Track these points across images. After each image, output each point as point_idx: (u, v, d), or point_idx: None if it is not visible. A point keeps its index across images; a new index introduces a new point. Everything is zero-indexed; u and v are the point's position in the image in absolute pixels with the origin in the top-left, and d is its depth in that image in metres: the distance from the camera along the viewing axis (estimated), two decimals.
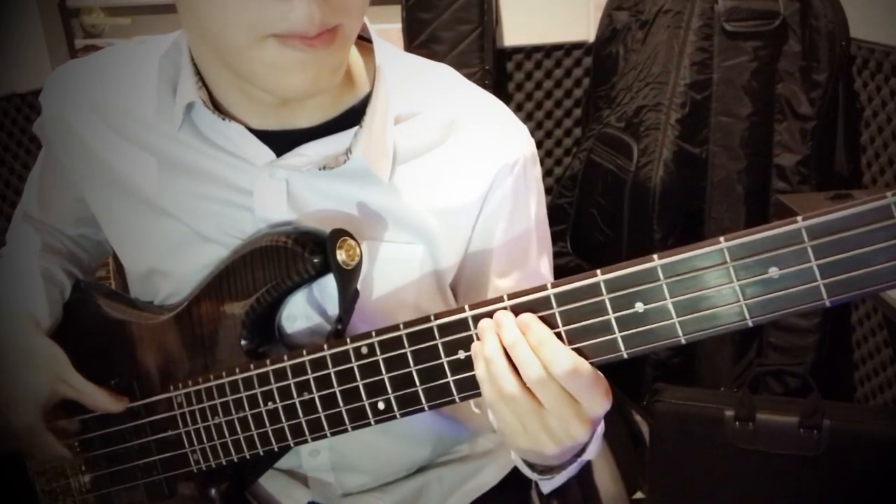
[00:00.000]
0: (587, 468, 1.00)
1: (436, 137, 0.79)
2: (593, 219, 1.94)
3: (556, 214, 2.10)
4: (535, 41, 2.14)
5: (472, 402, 0.68)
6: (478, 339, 0.63)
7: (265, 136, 0.76)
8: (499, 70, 2.11)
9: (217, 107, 0.76)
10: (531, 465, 0.74)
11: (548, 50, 2.15)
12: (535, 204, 0.84)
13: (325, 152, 0.76)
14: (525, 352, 0.60)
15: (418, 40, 2.02)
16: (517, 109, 2.17)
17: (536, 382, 0.60)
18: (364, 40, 0.81)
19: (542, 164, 2.24)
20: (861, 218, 0.51)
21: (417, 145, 0.78)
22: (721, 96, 1.76)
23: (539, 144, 2.23)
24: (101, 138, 0.82)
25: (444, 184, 0.78)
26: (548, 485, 0.76)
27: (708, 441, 1.60)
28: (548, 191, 2.22)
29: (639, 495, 1.77)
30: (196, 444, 0.79)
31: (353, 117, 0.76)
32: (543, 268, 0.87)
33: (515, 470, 0.98)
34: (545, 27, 2.13)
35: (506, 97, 2.15)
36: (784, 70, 1.77)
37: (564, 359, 0.59)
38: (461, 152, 0.79)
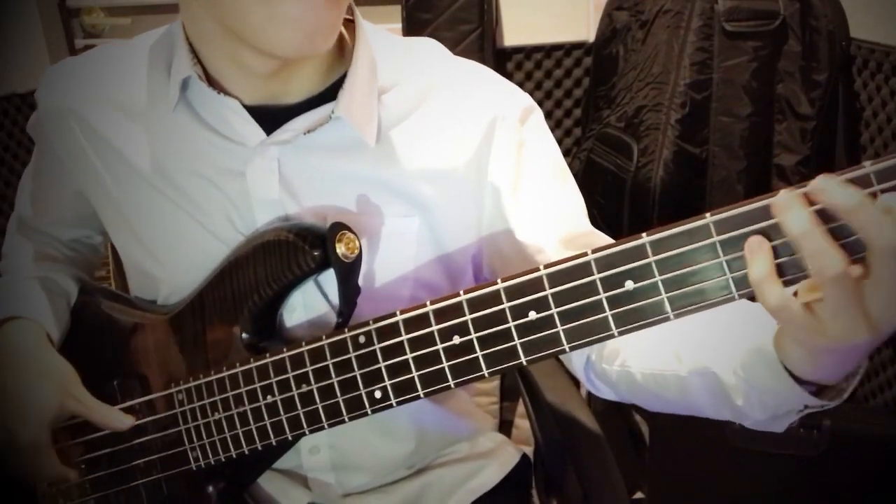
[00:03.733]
0: (589, 468, 1.00)
1: (417, 100, 0.79)
2: (593, 219, 1.93)
3: None
4: (535, 41, 2.14)
5: (472, 395, 0.67)
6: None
7: (256, 113, 0.77)
8: (499, 70, 2.11)
9: (211, 83, 0.77)
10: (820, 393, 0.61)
11: (548, 50, 2.15)
12: (544, 153, 0.82)
13: (309, 123, 0.77)
14: (874, 212, 0.48)
15: None
16: None
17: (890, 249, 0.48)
18: (349, 20, 0.82)
19: None
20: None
21: (402, 110, 0.79)
22: (721, 96, 1.76)
23: None
24: (105, 123, 0.83)
25: (430, 145, 0.79)
26: (791, 417, 0.66)
27: (708, 441, 1.60)
28: None
29: (639, 495, 1.77)
30: (196, 440, 0.79)
31: (338, 90, 0.77)
32: (577, 217, 0.83)
33: (515, 470, 0.99)
34: (545, 27, 2.13)
35: None
36: (784, 70, 1.77)
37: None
38: (443, 112, 0.79)
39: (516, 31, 2.11)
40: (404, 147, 0.78)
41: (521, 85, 2.21)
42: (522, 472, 1.01)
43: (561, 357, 0.86)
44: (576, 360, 0.83)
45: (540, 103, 2.20)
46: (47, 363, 0.82)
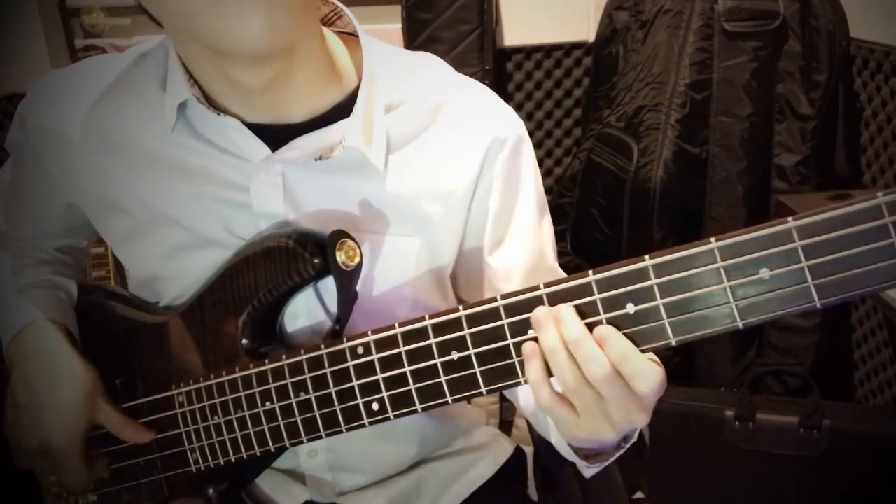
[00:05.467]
0: None
1: (425, 121, 0.79)
2: (593, 219, 1.94)
3: (556, 214, 2.09)
4: (535, 41, 2.14)
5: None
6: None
7: (259, 131, 0.76)
8: (499, 70, 2.11)
9: (210, 103, 0.76)
10: (576, 450, 0.73)
11: (548, 50, 2.15)
12: (531, 184, 0.84)
13: (319, 144, 0.76)
14: (592, 348, 0.58)
15: (418, 40, 2.02)
16: (517, 109, 2.17)
17: (603, 379, 0.58)
18: (350, 35, 0.82)
19: (541, 164, 2.23)
20: (852, 218, 0.50)
21: (408, 131, 0.79)
22: (721, 96, 1.76)
23: (539, 144, 2.23)
24: (97, 145, 0.81)
25: (436, 165, 0.79)
26: (591, 471, 0.75)
27: (708, 441, 1.60)
28: (548, 191, 2.21)
29: (639, 495, 1.78)
30: (195, 442, 0.79)
31: (342, 111, 0.77)
32: (548, 250, 0.87)
33: (509, 463, 0.99)
34: (545, 27, 2.13)
35: (506, 97, 2.15)
36: (784, 70, 1.77)
37: (634, 357, 0.57)
38: (450, 132, 0.79)
39: (516, 31, 2.11)
40: (411, 168, 0.78)
41: (521, 85, 2.23)
42: (517, 464, 1.01)
43: None
44: None
45: (540, 103, 2.21)
46: (74, 364, 0.82)
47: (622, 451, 0.71)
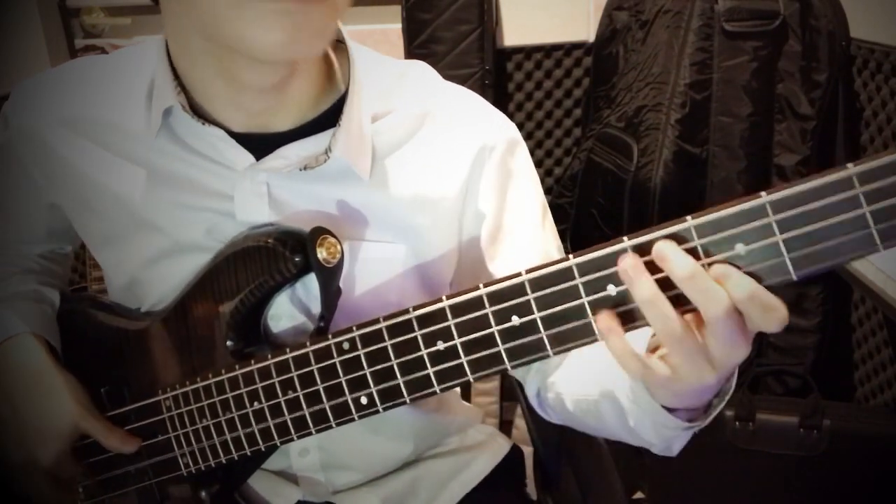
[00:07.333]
0: (587, 468, 1.00)
1: (411, 129, 0.79)
2: (593, 219, 1.94)
3: (556, 214, 2.09)
4: (535, 41, 2.14)
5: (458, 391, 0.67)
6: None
7: (244, 140, 0.76)
8: (499, 70, 2.11)
9: (196, 111, 0.75)
10: (667, 416, 0.67)
11: (548, 50, 2.15)
12: (528, 189, 0.84)
13: (304, 153, 0.76)
14: (710, 283, 0.53)
15: (418, 40, 2.02)
16: (517, 109, 2.17)
17: (722, 316, 0.53)
18: (337, 42, 0.81)
19: (541, 164, 2.23)
20: (824, 190, 0.51)
21: (394, 139, 0.78)
22: (721, 96, 1.76)
23: (539, 144, 2.23)
24: (79, 150, 0.81)
25: (422, 174, 0.79)
26: (681, 440, 0.71)
27: (708, 441, 1.60)
28: (548, 191, 2.22)
29: (639, 495, 1.78)
30: (185, 446, 0.79)
31: (330, 118, 0.76)
32: (554, 252, 0.86)
33: (507, 461, 0.99)
34: (545, 27, 2.12)
35: (506, 97, 2.15)
36: (784, 70, 1.77)
37: (762, 292, 0.52)
38: (436, 140, 0.79)
39: (516, 31, 2.11)
40: (397, 176, 0.78)
41: (521, 85, 2.23)
42: (514, 462, 1.01)
43: (522, 384, 0.89)
44: (529, 391, 0.87)
45: (540, 103, 2.20)
46: (57, 379, 0.81)
47: (717, 410, 0.66)
